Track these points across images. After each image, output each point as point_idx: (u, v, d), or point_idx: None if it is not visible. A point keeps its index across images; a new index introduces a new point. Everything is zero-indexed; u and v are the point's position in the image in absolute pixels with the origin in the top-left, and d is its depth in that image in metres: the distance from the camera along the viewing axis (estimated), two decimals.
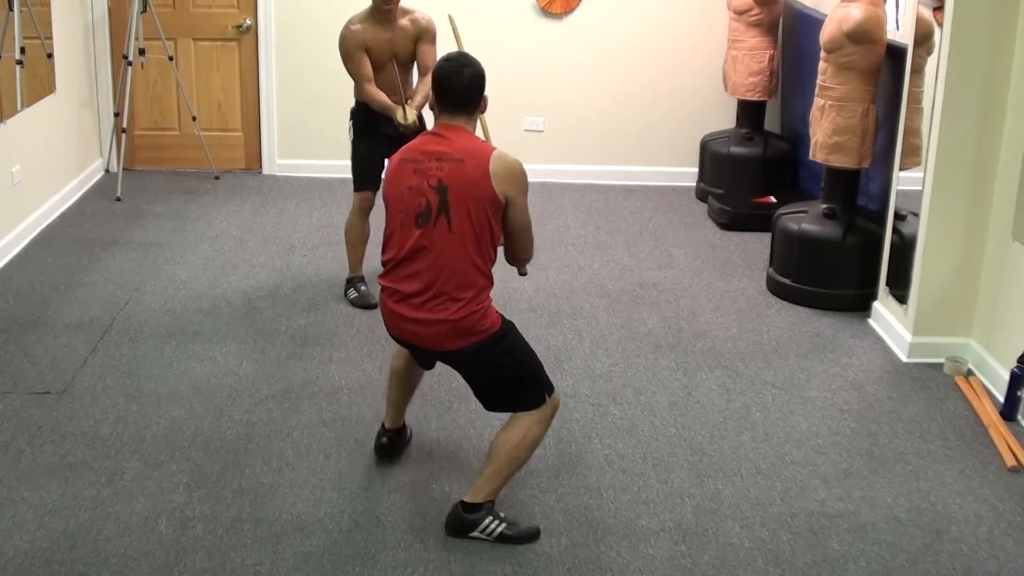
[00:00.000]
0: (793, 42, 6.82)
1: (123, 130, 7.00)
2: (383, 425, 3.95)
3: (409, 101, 5.11)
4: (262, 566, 3.35)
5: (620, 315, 5.30)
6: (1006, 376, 4.39)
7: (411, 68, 5.33)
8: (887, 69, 5.19)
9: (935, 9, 4.75)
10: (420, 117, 5.11)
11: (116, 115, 7.11)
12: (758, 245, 6.18)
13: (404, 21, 5.19)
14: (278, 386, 4.49)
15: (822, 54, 5.29)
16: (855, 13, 5.09)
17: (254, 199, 6.94)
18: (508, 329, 3.49)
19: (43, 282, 5.50)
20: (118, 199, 6.78)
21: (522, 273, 3.81)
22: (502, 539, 3.48)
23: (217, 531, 3.51)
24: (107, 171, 7.31)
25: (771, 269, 5.68)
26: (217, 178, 7.31)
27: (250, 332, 4.99)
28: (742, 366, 4.79)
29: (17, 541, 3.42)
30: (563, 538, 3.52)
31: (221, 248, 6.07)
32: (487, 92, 3.49)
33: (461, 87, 3.40)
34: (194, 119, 7.17)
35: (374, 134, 5.22)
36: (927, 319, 4.83)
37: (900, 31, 5.28)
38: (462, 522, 3.49)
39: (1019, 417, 4.32)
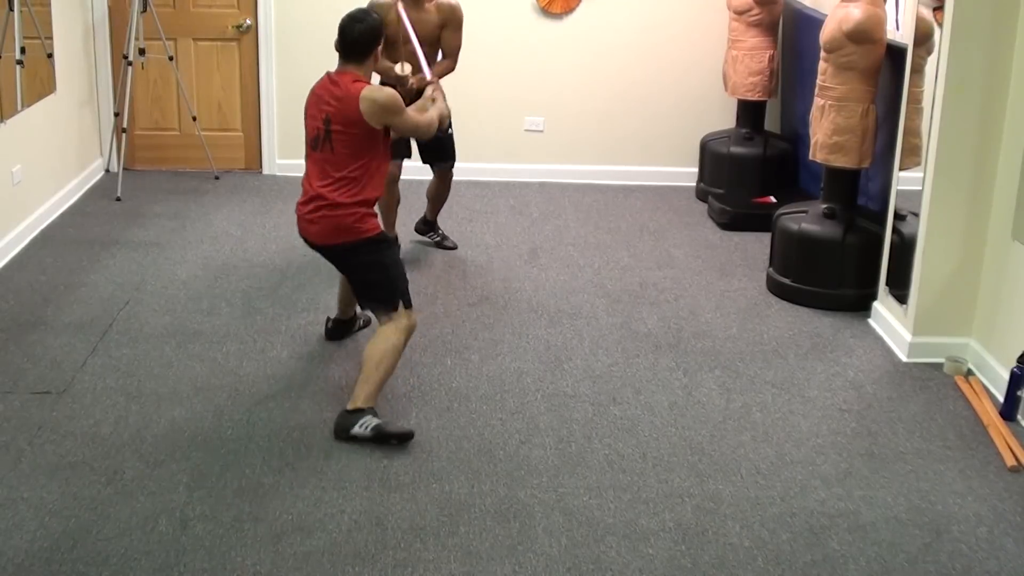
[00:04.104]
0: (793, 42, 6.83)
1: (123, 130, 7.00)
2: (331, 317, 4.91)
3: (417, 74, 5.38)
4: (262, 566, 3.35)
5: (620, 315, 5.30)
6: (1006, 376, 4.39)
7: (434, 48, 5.60)
8: (887, 69, 5.19)
9: (935, 9, 4.75)
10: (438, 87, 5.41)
11: (116, 115, 7.11)
12: (758, 245, 6.18)
13: (431, 5, 5.51)
14: (278, 386, 4.49)
15: (822, 54, 5.29)
16: (855, 13, 5.09)
17: (254, 199, 6.94)
18: (385, 240, 4.26)
19: (43, 282, 5.50)
20: (118, 199, 6.78)
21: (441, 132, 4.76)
22: (377, 433, 3.98)
23: (217, 531, 3.51)
24: (107, 171, 7.31)
25: (771, 269, 5.68)
26: (217, 178, 7.31)
27: (250, 332, 4.99)
28: (742, 366, 4.79)
29: (17, 541, 3.42)
30: (563, 538, 3.52)
31: (221, 248, 6.07)
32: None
33: (351, 39, 4.14)
34: (194, 119, 7.17)
35: None
36: (927, 319, 4.83)
37: (900, 31, 5.28)
38: (344, 423, 4.04)
39: (1019, 417, 4.32)
